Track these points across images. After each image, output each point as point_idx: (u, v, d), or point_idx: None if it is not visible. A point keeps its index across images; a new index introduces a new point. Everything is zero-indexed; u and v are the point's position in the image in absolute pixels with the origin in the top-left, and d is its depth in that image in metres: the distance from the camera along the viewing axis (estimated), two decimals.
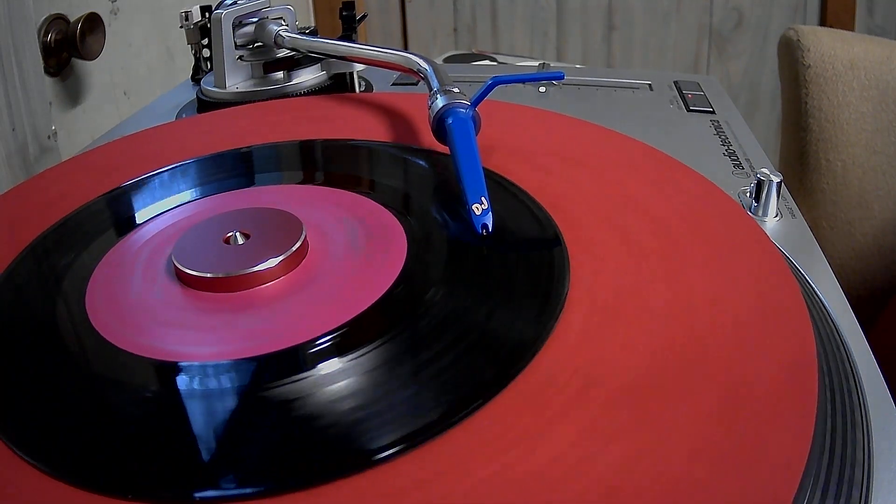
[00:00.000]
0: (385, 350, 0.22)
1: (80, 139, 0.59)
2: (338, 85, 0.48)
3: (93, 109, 0.61)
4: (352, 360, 0.22)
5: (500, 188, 0.31)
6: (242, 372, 0.22)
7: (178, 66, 0.74)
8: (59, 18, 0.55)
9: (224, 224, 0.28)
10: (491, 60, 0.91)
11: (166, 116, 0.49)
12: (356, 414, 0.20)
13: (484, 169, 0.29)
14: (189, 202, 0.32)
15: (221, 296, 0.25)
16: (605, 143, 0.35)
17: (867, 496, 0.19)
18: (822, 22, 1.19)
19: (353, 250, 0.27)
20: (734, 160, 0.40)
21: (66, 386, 0.22)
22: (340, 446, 0.19)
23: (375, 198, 0.31)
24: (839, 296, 0.28)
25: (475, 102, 0.33)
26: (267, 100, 0.45)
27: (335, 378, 0.21)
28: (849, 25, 1.17)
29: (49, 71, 0.55)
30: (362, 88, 0.50)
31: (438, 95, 0.33)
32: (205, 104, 0.47)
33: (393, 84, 0.53)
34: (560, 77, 0.35)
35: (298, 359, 0.22)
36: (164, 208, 0.32)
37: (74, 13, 0.55)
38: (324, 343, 0.23)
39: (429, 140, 0.35)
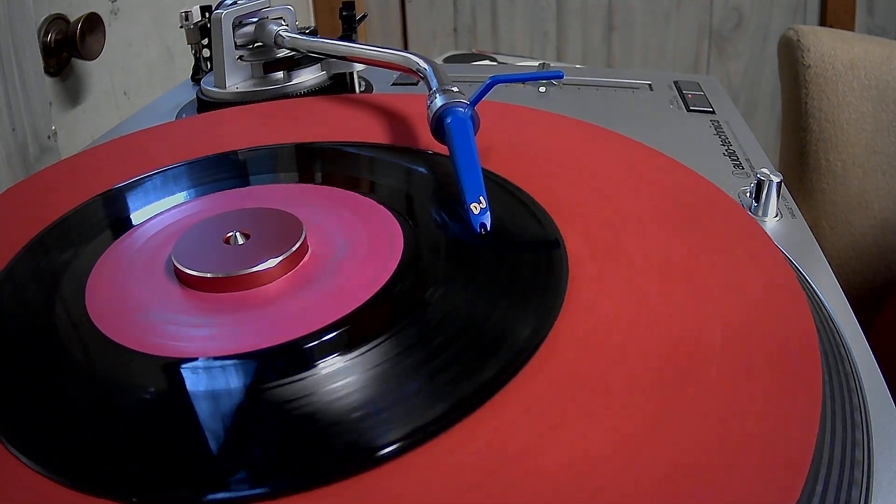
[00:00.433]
0: (385, 348, 0.22)
1: (80, 139, 0.59)
2: (338, 85, 0.48)
3: (93, 109, 0.61)
4: (352, 358, 0.22)
5: (498, 188, 0.31)
6: (243, 370, 0.22)
7: (178, 66, 0.74)
8: (59, 18, 0.55)
9: (224, 224, 0.28)
10: (491, 60, 0.91)
11: (166, 116, 0.49)
12: (357, 412, 0.20)
13: (482, 169, 0.29)
14: (189, 202, 0.32)
15: (221, 296, 0.25)
16: (604, 143, 0.35)
17: (867, 496, 0.19)
18: (822, 22, 1.19)
19: (353, 250, 0.27)
20: (734, 160, 0.39)
21: (66, 385, 0.22)
22: (343, 446, 0.19)
23: (375, 198, 0.31)
24: (839, 296, 0.28)
25: (474, 102, 0.33)
26: (267, 100, 0.45)
27: (335, 377, 0.21)
28: (849, 25, 1.17)
29: (49, 71, 0.55)
30: (362, 88, 0.50)
31: (437, 95, 0.33)
32: (205, 104, 0.47)
33: (393, 84, 0.53)
34: (559, 76, 0.35)
35: (298, 357, 0.22)
36: (163, 208, 0.32)
37: (74, 13, 0.55)
38: (323, 342, 0.23)
39: (427, 140, 0.35)
